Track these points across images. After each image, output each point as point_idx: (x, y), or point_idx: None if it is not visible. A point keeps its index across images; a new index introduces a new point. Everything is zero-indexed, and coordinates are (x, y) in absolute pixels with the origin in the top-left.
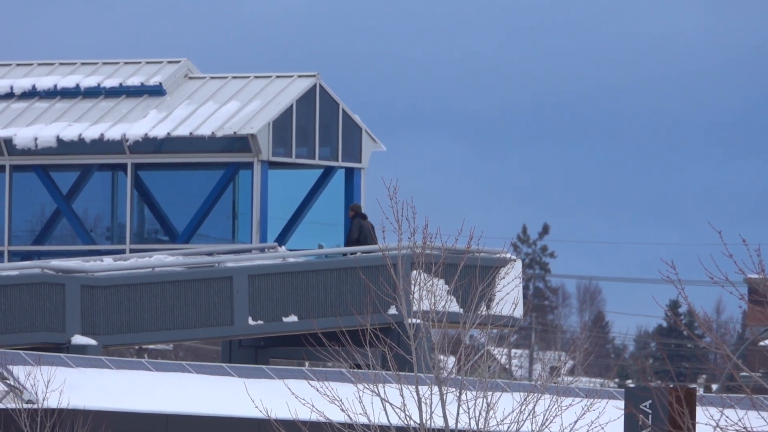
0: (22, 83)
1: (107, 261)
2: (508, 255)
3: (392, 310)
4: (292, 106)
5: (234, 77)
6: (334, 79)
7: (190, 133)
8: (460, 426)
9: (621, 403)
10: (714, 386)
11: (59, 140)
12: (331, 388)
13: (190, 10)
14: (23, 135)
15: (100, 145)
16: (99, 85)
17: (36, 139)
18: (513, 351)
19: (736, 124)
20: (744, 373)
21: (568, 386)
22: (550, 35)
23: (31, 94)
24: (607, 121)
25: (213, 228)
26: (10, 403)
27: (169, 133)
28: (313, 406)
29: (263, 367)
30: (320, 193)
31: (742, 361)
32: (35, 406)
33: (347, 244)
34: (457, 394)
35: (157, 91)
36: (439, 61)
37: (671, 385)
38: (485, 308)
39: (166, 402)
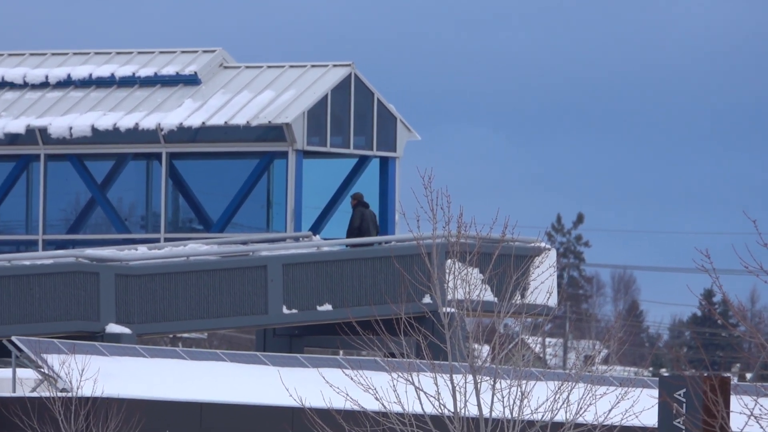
0: (57, 72)
1: (142, 250)
2: (543, 244)
3: (427, 299)
4: (327, 95)
5: (269, 66)
6: (370, 69)
7: (225, 123)
8: (494, 415)
9: (655, 392)
10: (748, 375)
11: (94, 129)
12: (366, 377)
13: None
14: (58, 124)
15: (135, 134)
16: (134, 74)
17: (71, 128)
18: (547, 340)
19: None
20: None
21: (603, 375)
22: (586, 24)
23: (66, 83)
24: (642, 110)
25: (247, 217)
26: (44, 392)
27: (204, 123)
28: (347, 394)
29: (297, 355)
30: (355, 182)
31: None
32: (69, 395)
33: (349, 232)
34: (492, 383)
35: (192, 81)
36: (474, 50)
37: (705, 374)
38: (520, 297)
39: (200, 390)
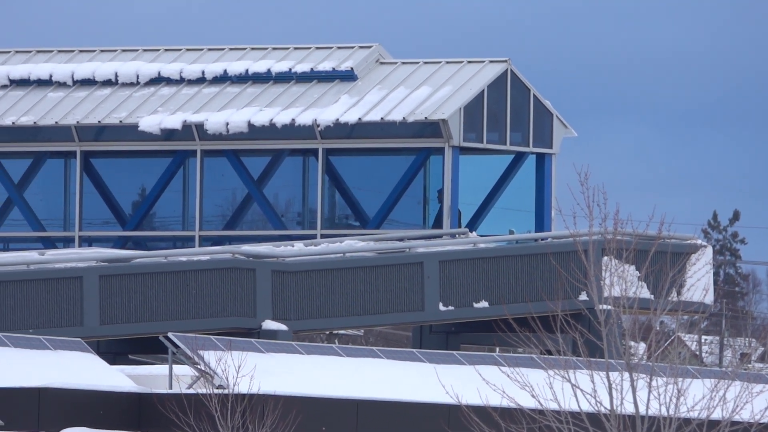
0: (214, 68)
1: (298, 246)
2: (699, 241)
3: (583, 296)
4: (483, 91)
5: (425, 62)
6: (525, 64)
7: (382, 119)
8: (650, 412)
9: None
10: None
11: (250, 125)
12: (522, 374)
13: None
14: (215, 120)
15: (292, 130)
16: (290, 69)
17: (227, 124)
18: (703, 337)
19: None
20: None
21: (759, 373)
22: (740, 23)
23: (223, 78)
24: None
25: (404, 213)
26: (201, 388)
27: (360, 119)
28: (503, 392)
29: (454, 352)
30: (511, 178)
31: None
32: (226, 391)
33: (435, 227)
34: (648, 381)
35: (348, 76)
36: (632, 48)
37: None
38: (676, 294)
39: (356, 387)
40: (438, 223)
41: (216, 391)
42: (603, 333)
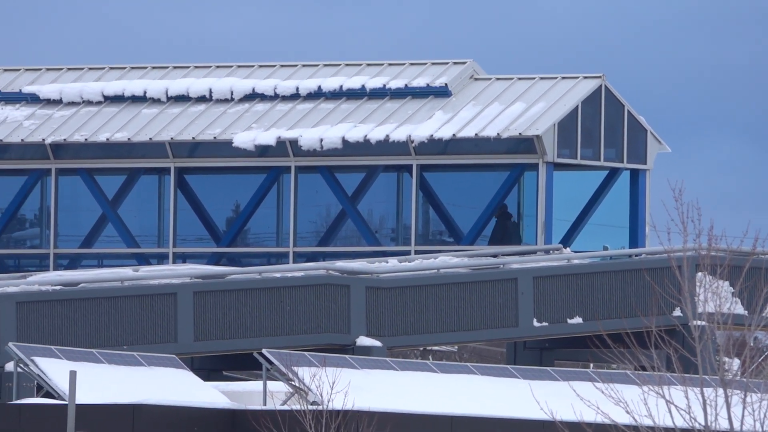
0: (308, 84)
1: (392, 262)
2: None
3: (677, 312)
4: (577, 107)
5: (519, 78)
6: (619, 80)
7: (476, 135)
8: (744, 428)
9: None
10: None
11: (344, 141)
12: (616, 390)
13: (475, 11)
14: (309, 136)
15: (386, 146)
16: (384, 86)
17: (321, 140)
18: None
19: None
20: None
21: None
22: None
23: (317, 95)
24: None
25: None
26: (295, 405)
27: (454, 135)
28: (597, 407)
29: (548, 368)
30: (605, 194)
31: None
32: (320, 408)
33: (491, 242)
34: (742, 397)
35: (442, 92)
36: (728, 61)
37: None
38: None
39: (450, 403)
40: (496, 239)
41: (310, 407)
42: (697, 349)
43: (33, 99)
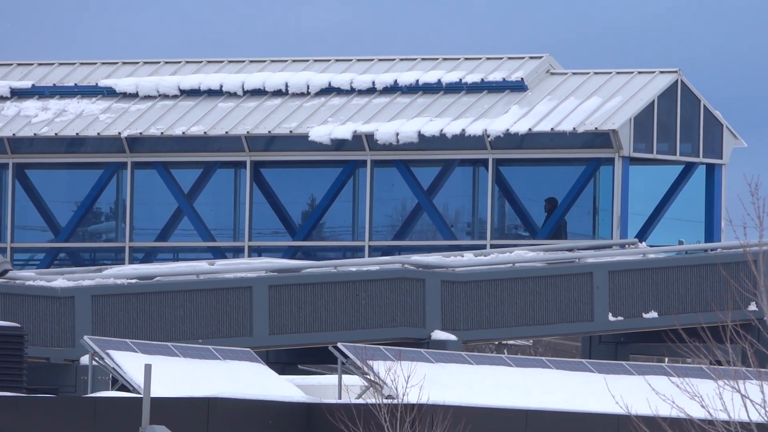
0: (384, 78)
1: (468, 256)
2: None
3: (752, 307)
4: (653, 101)
5: (596, 73)
6: (696, 75)
7: (552, 129)
8: None
9: None
10: None
11: (420, 135)
12: (691, 385)
13: (551, 5)
14: (385, 130)
15: (461, 140)
16: (461, 80)
17: (397, 134)
18: None
19: None
20: None
21: None
22: None
23: (393, 89)
24: None
25: (573, 224)
26: (370, 398)
27: (530, 129)
28: (673, 402)
29: (623, 363)
30: (681, 189)
31: None
32: (395, 402)
33: (543, 237)
34: None
35: (518, 87)
36: None
37: None
38: None
39: (525, 397)
40: (544, 233)
41: (385, 401)
42: None
43: (109, 93)
